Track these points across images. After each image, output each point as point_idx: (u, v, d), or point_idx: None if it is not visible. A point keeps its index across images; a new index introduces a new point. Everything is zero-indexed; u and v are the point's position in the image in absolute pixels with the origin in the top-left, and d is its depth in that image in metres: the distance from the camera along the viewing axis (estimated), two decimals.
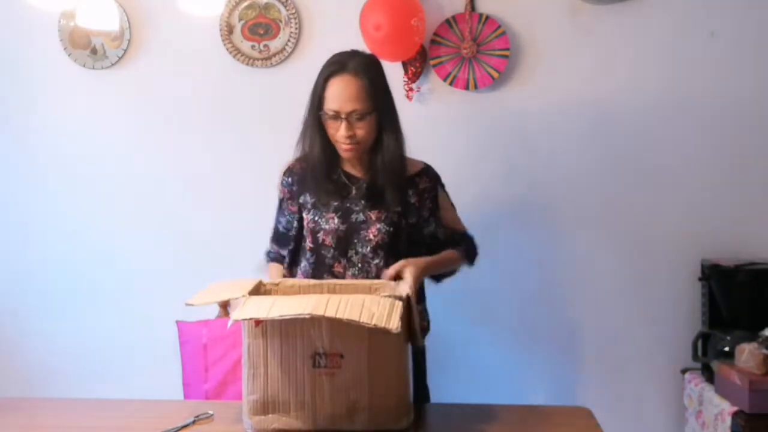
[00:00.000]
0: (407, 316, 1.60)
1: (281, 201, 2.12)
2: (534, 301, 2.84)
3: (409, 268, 1.85)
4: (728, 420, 2.30)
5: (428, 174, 2.07)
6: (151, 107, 2.94)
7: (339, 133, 1.90)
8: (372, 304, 1.51)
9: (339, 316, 1.44)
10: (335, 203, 1.99)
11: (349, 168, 2.02)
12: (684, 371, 2.72)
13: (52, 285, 3.00)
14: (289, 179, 2.08)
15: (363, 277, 1.95)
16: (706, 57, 2.74)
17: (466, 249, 2.11)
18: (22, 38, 2.96)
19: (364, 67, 1.92)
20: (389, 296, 1.58)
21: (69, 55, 2.92)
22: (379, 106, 1.93)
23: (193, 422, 1.66)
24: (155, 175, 2.96)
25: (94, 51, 2.92)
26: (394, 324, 1.45)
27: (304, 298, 1.55)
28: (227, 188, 2.91)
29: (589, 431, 1.60)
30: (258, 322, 1.57)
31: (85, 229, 2.99)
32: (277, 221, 2.15)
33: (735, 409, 2.29)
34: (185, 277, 2.84)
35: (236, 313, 1.51)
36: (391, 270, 1.86)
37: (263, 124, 2.87)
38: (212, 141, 2.93)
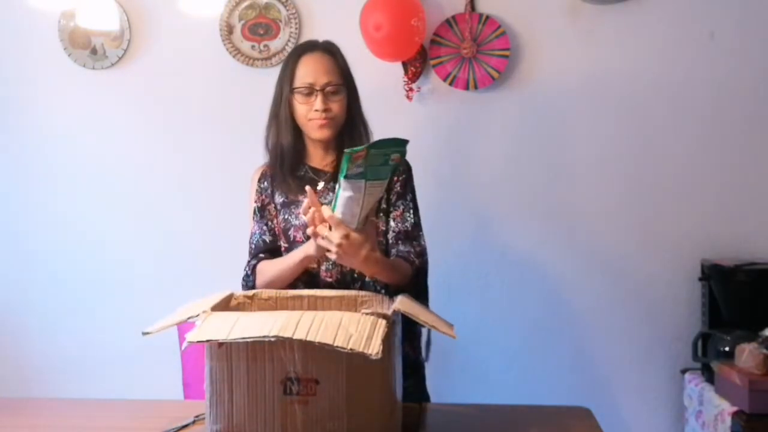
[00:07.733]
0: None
1: (261, 210, 2.01)
2: (533, 301, 2.84)
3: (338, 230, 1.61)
4: (728, 420, 2.30)
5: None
6: (151, 107, 2.95)
7: (314, 107, 1.88)
8: (350, 323, 1.34)
9: (310, 338, 1.28)
10: (304, 198, 1.87)
11: (315, 163, 1.98)
12: (684, 371, 2.72)
13: (52, 285, 3.00)
14: (265, 183, 2.03)
15: (337, 273, 1.88)
16: (706, 57, 2.74)
17: (416, 274, 1.86)
18: (22, 38, 2.97)
19: (335, 49, 1.96)
20: (372, 313, 1.40)
21: (69, 55, 2.92)
22: (349, 86, 1.94)
23: (193, 422, 1.65)
24: (155, 176, 2.96)
25: (94, 51, 2.92)
26: (375, 348, 1.29)
27: (273, 315, 1.40)
28: (228, 188, 2.90)
29: (589, 431, 1.60)
30: (221, 343, 1.40)
31: (84, 229, 2.99)
32: (261, 233, 1.99)
33: (735, 409, 2.29)
34: (185, 277, 2.85)
35: (192, 334, 1.36)
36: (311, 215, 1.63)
37: (263, 125, 2.86)
38: (212, 141, 2.93)
